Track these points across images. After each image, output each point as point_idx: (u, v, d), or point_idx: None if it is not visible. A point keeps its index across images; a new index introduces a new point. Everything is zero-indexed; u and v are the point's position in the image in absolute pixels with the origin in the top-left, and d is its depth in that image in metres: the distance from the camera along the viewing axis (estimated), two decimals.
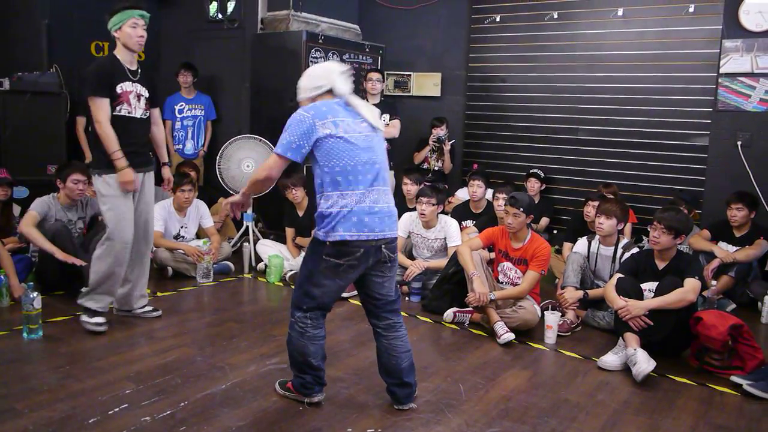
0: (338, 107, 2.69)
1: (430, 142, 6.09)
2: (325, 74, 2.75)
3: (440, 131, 6.04)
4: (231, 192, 5.46)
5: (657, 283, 3.60)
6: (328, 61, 2.90)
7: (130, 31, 3.51)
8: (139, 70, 3.65)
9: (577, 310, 4.14)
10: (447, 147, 6.05)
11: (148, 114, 3.74)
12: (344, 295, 4.52)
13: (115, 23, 3.52)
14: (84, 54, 6.03)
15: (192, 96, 6.27)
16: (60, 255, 4.08)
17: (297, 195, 5.12)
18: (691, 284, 3.46)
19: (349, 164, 2.62)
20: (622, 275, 3.73)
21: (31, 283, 3.76)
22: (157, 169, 3.95)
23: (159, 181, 4.02)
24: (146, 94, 3.68)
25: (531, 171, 6.08)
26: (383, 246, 2.69)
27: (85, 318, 3.65)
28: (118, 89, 3.53)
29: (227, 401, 2.86)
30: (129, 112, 3.59)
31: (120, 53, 3.59)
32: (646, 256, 3.85)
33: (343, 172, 2.61)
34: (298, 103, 2.79)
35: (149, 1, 6.57)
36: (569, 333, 4.00)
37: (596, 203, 4.94)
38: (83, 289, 3.76)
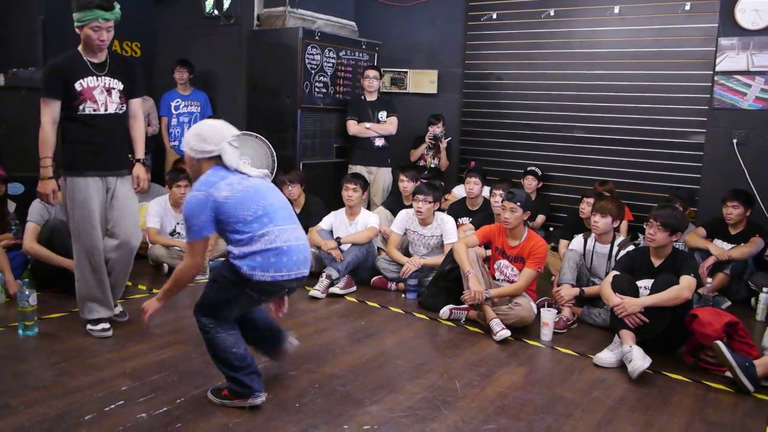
0: (226, 173, 2.70)
1: (427, 140, 6.09)
2: (216, 139, 2.71)
3: (436, 128, 6.05)
4: None
5: (653, 280, 3.61)
6: (220, 122, 2.79)
7: (90, 33, 3.29)
8: (108, 62, 3.44)
9: (573, 308, 4.14)
10: (443, 144, 6.06)
11: (124, 108, 3.54)
12: (339, 291, 4.54)
13: (77, 20, 3.29)
14: None
15: (188, 92, 6.25)
16: (69, 264, 3.96)
17: (293, 192, 5.10)
18: (687, 281, 3.47)
19: (249, 214, 2.64)
20: (617, 272, 3.74)
21: (27, 279, 3.75)
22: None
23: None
24: (119, 86, 3.46)
25: (528, 168, 6.09)
26: (296, 284, 2.79)
27: (89, 327, 3.55)
28: (77, 86, 3.33)
29: None
30: (95, 110, 3.39)
31: (82, 48, 3.40)
32: (641, 254, 3.85)
33: (247, 220, 2.63)
34: (188, 157, 2.79)
35: None
36: (565, 330, 4.00)
37: (591, 199, 4.95)
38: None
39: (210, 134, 2.72)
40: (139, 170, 3.67)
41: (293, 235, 2.74)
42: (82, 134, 3.40)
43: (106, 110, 3.44)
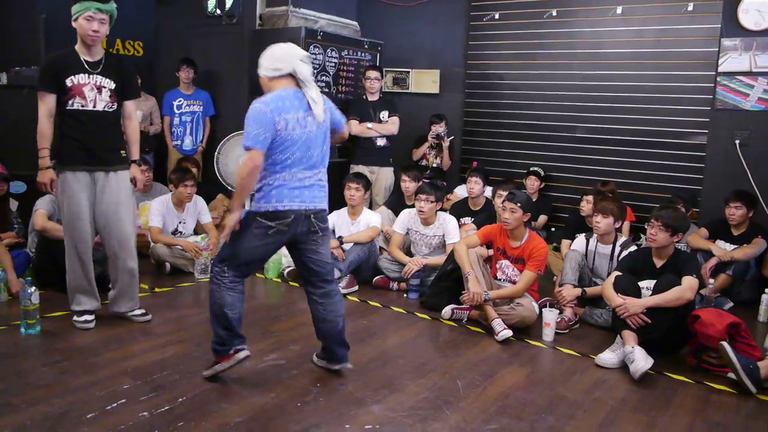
0: (293, 100, 2.85)
1: (429, 139, 6.09)
2: (287, 58, 2.87)
3: (439, 128, 6.05)
4: (229, 188, 5.47)
5: (655, 281, 3.61)
6: (290, 44, 2.96)
7: (83, 23, 3.38)
8: (103, 61, 3.52)
9: (575, 308, 4.14)
10: (446, 143, 6.05)
11: (115, 106, 3.59)
12: (342, 291, 4.52)
13: (73, 13, 3.40)
14: None
15: (190, 92, 6.25)
16: None
17: None
18: (689, 282, 3.47)
19: (286, 155, 2.84)
20: (620, 273, 3.73)
21: (29, 278, 3.76)
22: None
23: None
24: (110, 85, 3.53)
25: (531, 169, 6.09)
26: (312, 216, 2.93)
27: (75, 318, 3.66)
28: (68, 82, 3.43)
29: (225, 397, 2.86)
30: (83, 106, 3.47)
31: (78, 45, 3.49)
32: (644, 254, 3.85)
33: (280, 159, 2.84)
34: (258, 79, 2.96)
35: None
36: (567, 330, 4.00)
37: (590, 197, 4.96)
38: None
39: (281, 53, 2.89)
40: (134, 171, 3.74)
41: (301, 175, 2.91)
42: (71, 129, 3.50)
43: (94, 107, 3.51)
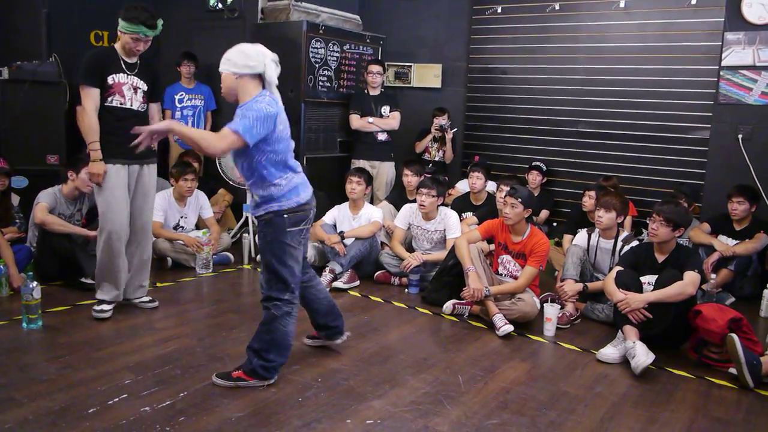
0: (277, 102, 2.86)
1: (433, 131, 6.08)
2: (259, 57, 2.80)
3: (442, 120, 6.03)
4: (230, 183, 5.47)
5: (656, 276, 3.60)
6: (259, 45, 2.87)
7: (129, 41, 3.55)
8: (138, 63, 3.68)
9: (576, 303, 4.14)
10: (449, 135, 6.04)
11: (146, 107, 3.75)
12: (342, 286, 4.54)
13: (121, 27, 3.54)
14: (83, 43, 6.00)
15: (192, 86, 6.25)
16: (84, 232, 4.28)
17: None
18: (691, 277, 3.46)
19: (286, 154, 2.89)
20: (621, 268, 3.73)
21: (31, 273, 3.77)
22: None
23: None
24: (144, 87, 3.70)
25: (533, 164, 6.07)
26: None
27: (94, 306, 3.74)
28: (110, 80, 3.57)
29: (226, 392, 2.86)
30: (121, 104, 3.62)
31: (118, 46, 3.64)
32: (645, 249, 3.84)
33: (283, 159, 2.86)
34: (220, 73, 2.85)
35: None
36: (568, 325, 4.00)
37: (593, 192, 4.95)
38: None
39: (253, 52, 2.81)
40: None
41: (301, 175, 2.99)
42: (108, 125, 3.61)
43: (131, 106, 3.67)
